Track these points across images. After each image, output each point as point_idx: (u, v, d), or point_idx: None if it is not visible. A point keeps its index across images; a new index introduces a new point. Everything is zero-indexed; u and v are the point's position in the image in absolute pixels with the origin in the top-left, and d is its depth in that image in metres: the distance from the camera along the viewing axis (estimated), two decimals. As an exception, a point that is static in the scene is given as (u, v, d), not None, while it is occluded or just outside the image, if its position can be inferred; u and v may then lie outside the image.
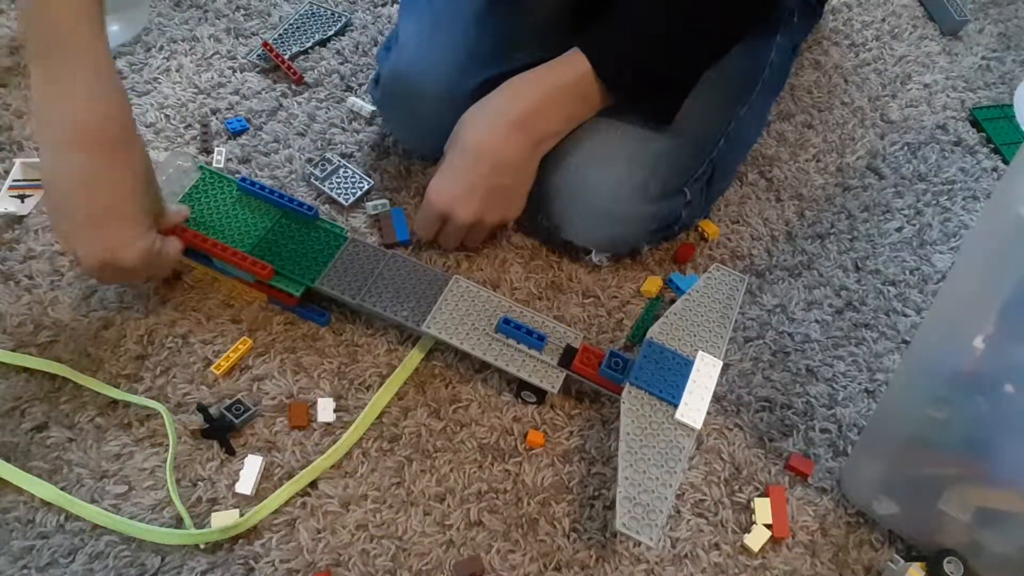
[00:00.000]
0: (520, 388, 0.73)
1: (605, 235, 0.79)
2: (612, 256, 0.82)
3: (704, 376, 0.69)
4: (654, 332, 0.71)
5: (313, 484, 0.69)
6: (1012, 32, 1.11)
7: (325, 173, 0.86)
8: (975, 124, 1.00)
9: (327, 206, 0.85)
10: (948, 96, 1.02)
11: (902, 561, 0.66)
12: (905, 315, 0.83)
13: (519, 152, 0.73)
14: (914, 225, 0.90)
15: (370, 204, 0.84)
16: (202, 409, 0.70)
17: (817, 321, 0.82)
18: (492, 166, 0.73)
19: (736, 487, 0.71)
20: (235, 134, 0.90)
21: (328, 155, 0.88)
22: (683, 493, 0.71)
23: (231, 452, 0.69)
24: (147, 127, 0.89)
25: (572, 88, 0.73)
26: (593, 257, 0.81)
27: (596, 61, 0.71)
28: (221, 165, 0.87)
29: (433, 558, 0.66)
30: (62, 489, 0.66)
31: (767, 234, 0.88)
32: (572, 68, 0.72)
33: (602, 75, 0.72)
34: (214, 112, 0.91)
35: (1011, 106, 1.02)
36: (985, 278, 0.53)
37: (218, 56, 0.96)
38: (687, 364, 0.69)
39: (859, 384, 0.78)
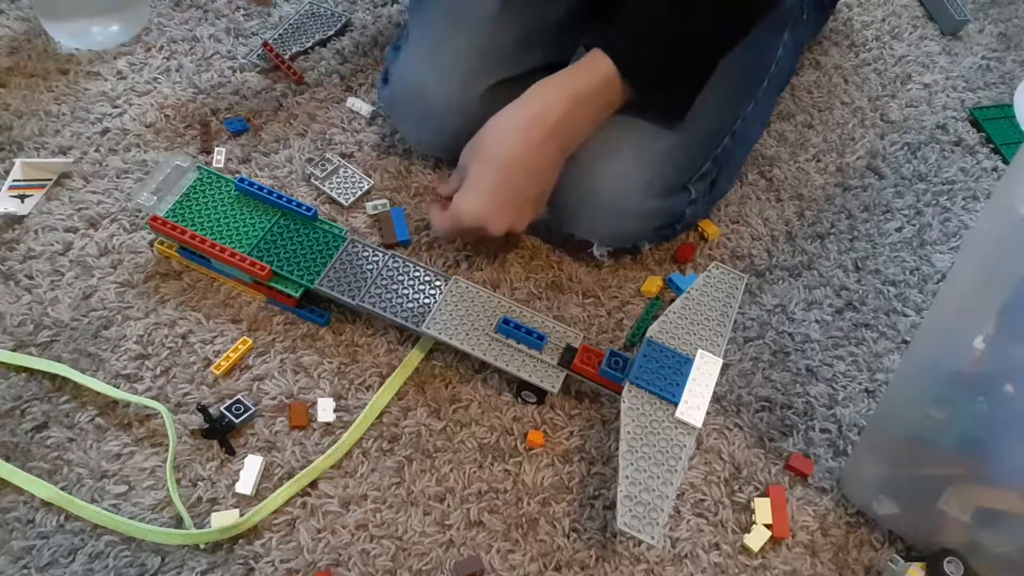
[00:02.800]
0: (520, 388, 0.73)
1: (609, 230, 0.78)
2: (613, 250, 0.82)
3: (704, 374, 0.69)
4: (654, 331, 0.71)
5: (313, 484, 0.69)
6: (1012, 32, 1.11)
7: (325, 173, 0.86)
8: (975, 124, 1.00)
9: (327, 206, 0.85)
10: (948, 96, 1.02)
11: (902, 561, 0.66)
12: (905, 315, 0.83)
13: (551, 161, 0.73)
14: (914, 225, 0.90)
15: (370, 204, 0.84)
16: (202, 409, 0.70)
17: (817, 321, 0.82)
18: (525, 179, 0.72)
19: (736, 487, 0.71)
20: (235, 134, 0.90)
21: (328, 155, 0.88)
22: (683, 493, 0.71)
23: (231, 452, 0.69)
24: (147, 127, 0.89)
25: (599, 94, 0.71)
26: (595, 250, 0.81)
27: (622, 63, 0.70)
28: (221, 165, 0.87)
29: (433, 558, 0.66)
30: (62, 489, 0.66)
31: (767, 234, 0.88)
32: (597, 72, 0.71)
33: (628, 76, 0.71)
34: (214, 112, 0.91)
35: (1011, 106, 1.01)
36: (985, 278, 0.53)
37: (218, 56, 0.96)
38: (687, 362, 0.69)
39: (859, 384, 0.78)
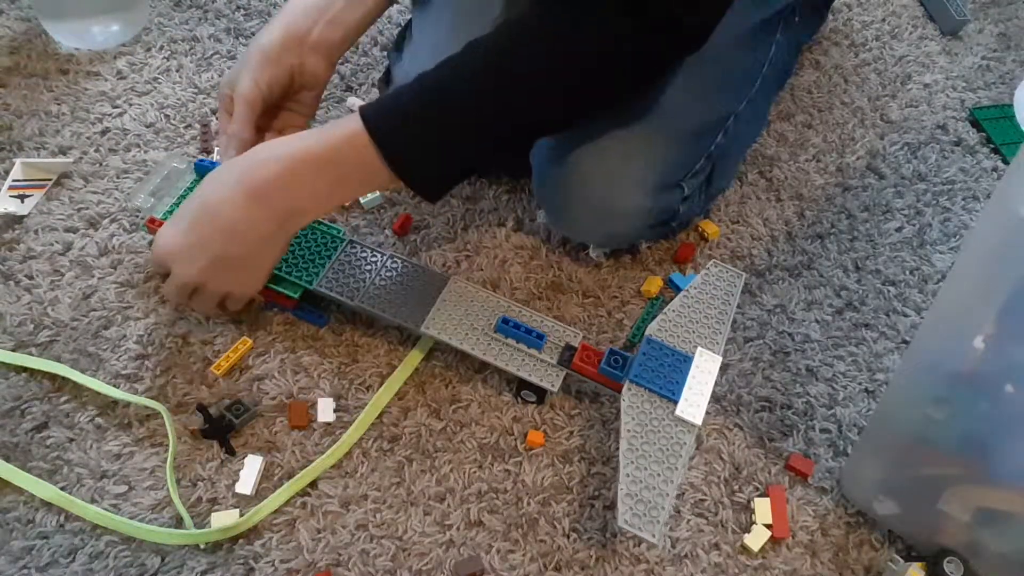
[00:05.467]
0: (520, 388, 0.73)
1: (602, 230, 0.78)
2: (610, 251, 0.82)
3: (703, 372, 0.69)
4: (653, 329, 0.71)
5: (313, 484, 0.69)
6: (1012, 32, 1.11)
7: (325, 173, 0.86)
8: (975, 124, 1.00)
9: (327, 206, 0.85)
10: (948, 96, 1.02)
11: (902, 561, 0.66)
12: (905, 315, 0.83)
13: (257, 226, 0.65)
14: (914, 225, 0.90)
15: (363, 198, 0.84)
16: (202, 409, 0.70)
17: (817, 321, 0.82)
18: (223, 233, 0.65)
19: (736, 487, 0.71)
20: (235, 134, 0.89)
21: (328, 155, 0.88)
22: (683, 493, 0.71)
23: (231, 452, 0.69)
24: (147, 127, 0.89)
25: (324, 158, 0.63)
26: (591, 252, 0.81)
27: (370, 122, 0.61)
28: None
29: (433, 558, 0.66)
30: (62, 489, 0.66)
31: (767, 234, 0.88)
32: (334, 134, 0.63)
33: (376, 137, 0.62)
34: (214, 112, 0.91)
35: (1011, 106, 1.02)
36: (985, 278, 0.53)
37: (218, 56, 0.96)
38: (686, 360, 0.69)
39: (859, 384, 0.78)
